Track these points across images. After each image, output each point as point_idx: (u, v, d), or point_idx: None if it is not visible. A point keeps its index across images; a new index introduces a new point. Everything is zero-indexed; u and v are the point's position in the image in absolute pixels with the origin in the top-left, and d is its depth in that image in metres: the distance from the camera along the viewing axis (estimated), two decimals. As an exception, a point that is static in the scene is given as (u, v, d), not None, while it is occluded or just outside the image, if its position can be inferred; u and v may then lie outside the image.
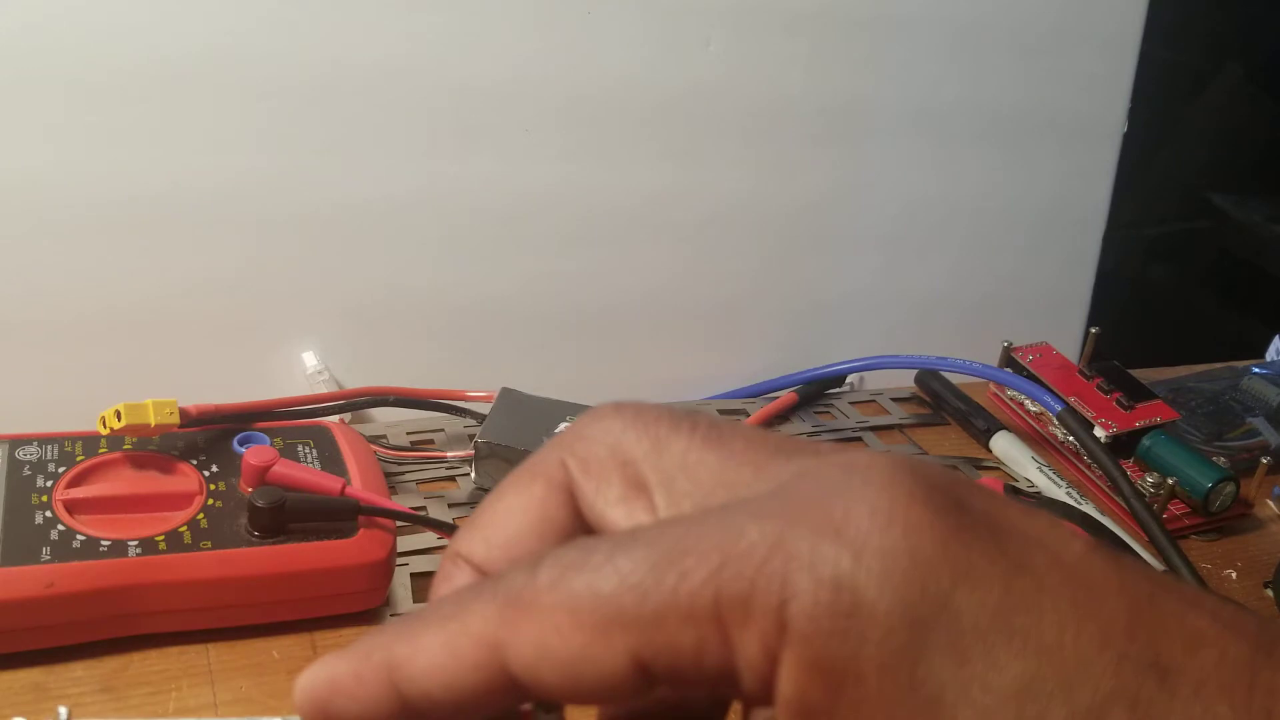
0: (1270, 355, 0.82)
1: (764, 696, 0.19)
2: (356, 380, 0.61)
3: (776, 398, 0.69)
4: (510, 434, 0.55)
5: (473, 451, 0.55)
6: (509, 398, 0.58)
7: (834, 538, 0.18)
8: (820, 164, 0.74)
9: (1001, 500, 0.20)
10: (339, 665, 0.21)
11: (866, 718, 0.17)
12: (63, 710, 0.19)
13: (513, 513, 0.22)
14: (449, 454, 0.58)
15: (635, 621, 0.19)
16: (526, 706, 0.23)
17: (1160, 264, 0.83)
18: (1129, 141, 0.79)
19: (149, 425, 0.48)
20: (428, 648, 0.20)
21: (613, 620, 0.19)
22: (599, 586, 0.19)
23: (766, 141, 0.72)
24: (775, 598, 0.18)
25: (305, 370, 0.64)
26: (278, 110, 0.60)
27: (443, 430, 0.61)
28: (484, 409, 0.59)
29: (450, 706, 0.20)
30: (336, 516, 0.47)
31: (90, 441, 0.48)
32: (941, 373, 0.72)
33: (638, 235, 0.70)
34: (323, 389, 0.61)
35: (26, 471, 0.46)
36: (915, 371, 0.73)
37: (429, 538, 0.51)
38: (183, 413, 0.49)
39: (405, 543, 0.50)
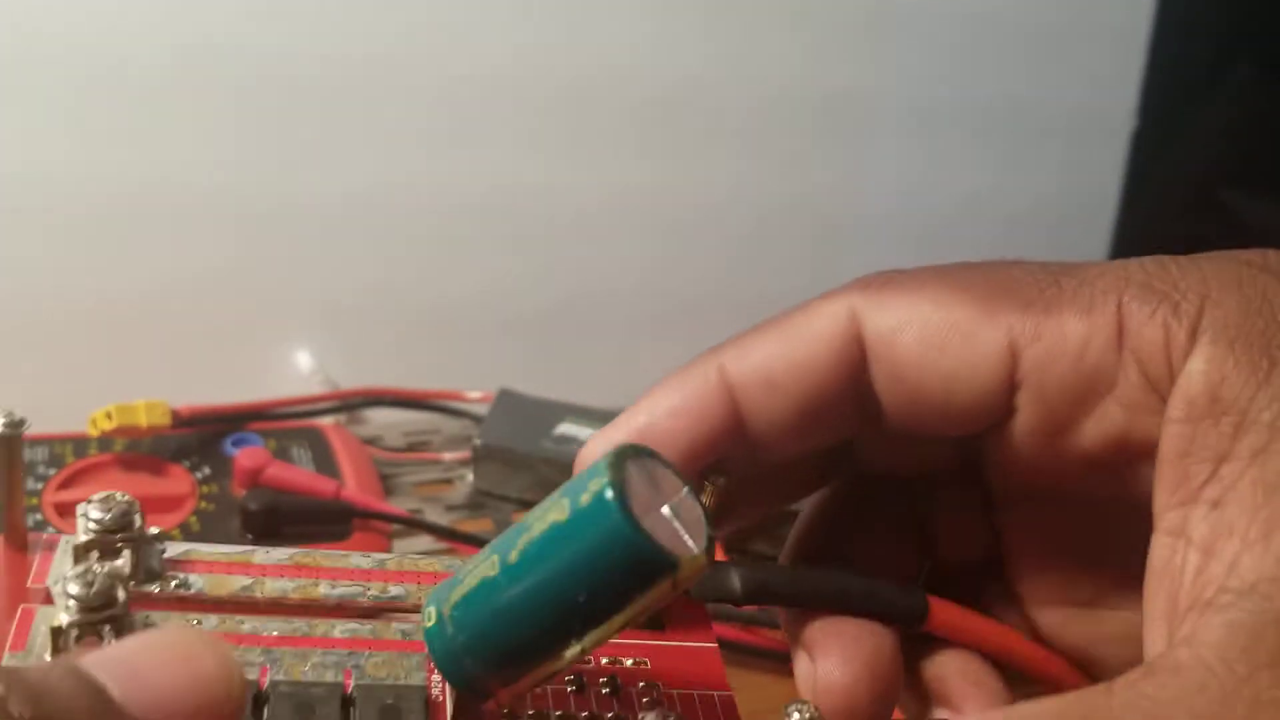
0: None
1: (1151, 394, 0.18)
2: (352, 380, 0.60)
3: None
4: (509, 436, 0.54)
5: (470, 453, 0.54)
6: (508, 399, 0.58)
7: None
8: (825, 159, 0.73)
9: None
10: (653, 397, 0.20)
11: None
12: None
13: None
14: (446, 456, 0.57)
15: (1025, 305, 0.19)
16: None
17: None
18: (1139, 139, 0.79)
19: (140, 426, 0.47)
20: (766, 339, 0.20)
21: (999, 300, 0.19)
22: (984, 275, 0.19)
23: (769, 136, 0.71)
24: (1197, 290, 0.18)
25: (299, 370, 0.63)
26: (275, 105, 0.59)
27: (439, 431, 0.60)
28: (482, 410, 0.58)
29: (796, 394, 0.20)
30: (330, 520, 0.46)
31: (80, 443, 0.48)
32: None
33: (639, 232, 0.69)
34: (317, 389, 0.60)
35: (15, 473, 0.46)
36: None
37: (425, 541, 0.51)
38: (174, 413, 0.48)
39: (400, 547, 0.50)
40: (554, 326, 0.69)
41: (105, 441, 0.48)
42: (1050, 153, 0.78)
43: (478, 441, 0.54)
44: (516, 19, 0.62)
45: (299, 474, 0.48)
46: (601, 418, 0.56)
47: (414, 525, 0.50)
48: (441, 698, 0.20)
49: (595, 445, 0.21)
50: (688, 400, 0.21)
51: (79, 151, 0.57)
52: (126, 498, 0.22)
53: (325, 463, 0.50)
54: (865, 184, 0.75)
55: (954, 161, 0.76)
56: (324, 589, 0.22)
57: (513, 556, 0.18)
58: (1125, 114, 0.79)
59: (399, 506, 0.52)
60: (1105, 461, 0.20)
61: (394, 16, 0.60)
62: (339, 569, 0.22)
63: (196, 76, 0.57)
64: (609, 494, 0.17)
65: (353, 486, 0.49)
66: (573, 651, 0.18)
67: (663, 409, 0.21)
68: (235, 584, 0.22)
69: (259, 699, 0.19)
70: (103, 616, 0.19)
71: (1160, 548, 0.18)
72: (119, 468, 0.48)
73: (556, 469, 0.53)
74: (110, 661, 0.15)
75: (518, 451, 0.53)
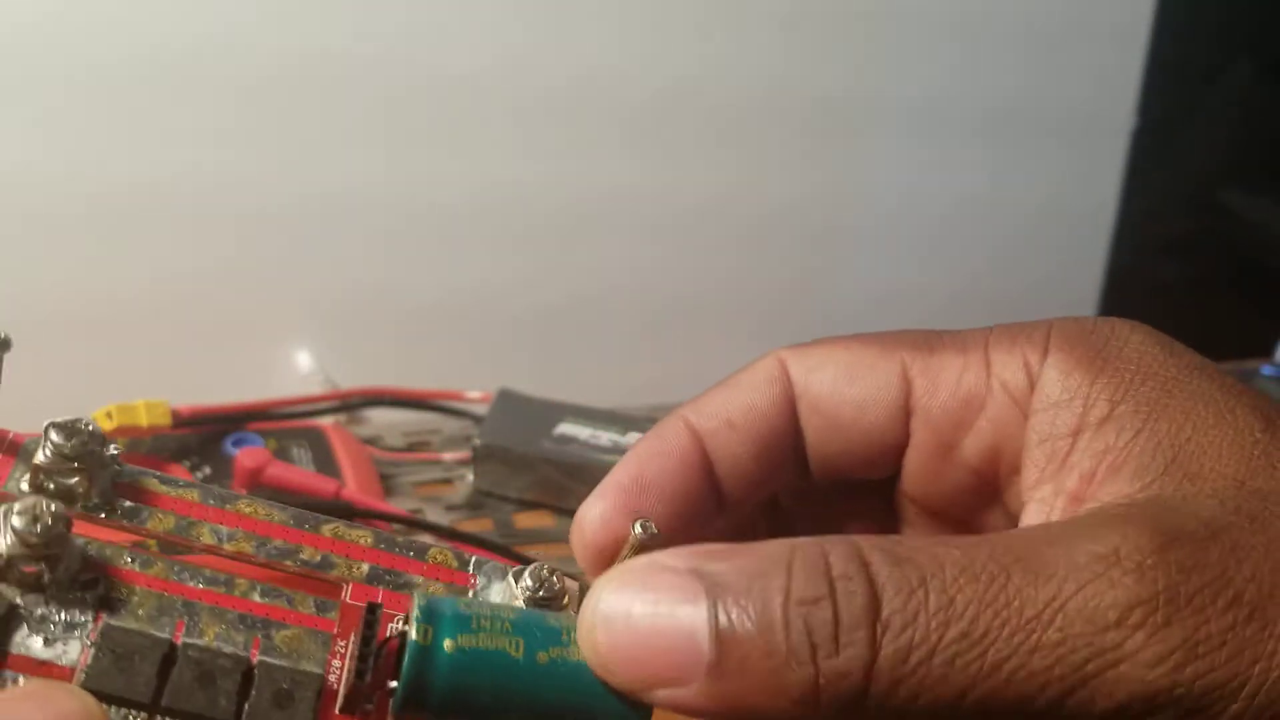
0: (1280, 355, 0.81)
1: (1014, 409, 0.23)
2: (351, 380, 0.60)
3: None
4: (509, 436, 0.54)
5: (470, 453, 0.54)
6: (507, 398, 0.57)
7: None
8: (823, 159, 0.73)
9: None
10: (635, 449, 0.24)
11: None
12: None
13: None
14: (446, 456, 0.57)
15: (914, 346, 0.24)
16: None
17: (1170, 262, 0.82)
18: (1139, 138, 0.79)
19: (141, 426, 0.47)
20: (717, 392, 0.25)
21: (894, 342, 0.24)
22: (885, 332, 0.24)
23: (768, 136, 0.71)
24: (1045, 325, 0.23)
25: (299, 370, 0.63)
26: (275, 104, 0.59)
27: (439, 431, 0.60)
28: (482, 410, 0.58)
29: (751, 433, 0.24)
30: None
31: (80, 443, 0.48)
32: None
33: (638, 232, 0.69)
34: (317, 389, 0.60)
35: (14, 474, 0.46)
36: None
37: (425, 541, 0.51)
38: (175, 413, 0.48)
39: (401, 546, 0.49)
40: (554, 326, 0.69)
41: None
42: (1050, 152, 0.78)
43: (477, 441, 0.54)
44: (518, 19, 0.62)
45: (299, 474, 0.48)
46: (601, 418, 0.56)
47: (414, 525, 0.49)
48: (336, 686, 0.20)
49: (592, 509, 0.23)
50: (667, 446, 0.24)
51: (78, 151, 0.57)
52: (92, 427, 0.22)
53: (325, 462, 0.50)
54: (864, 185, 0.74)
55: (953, 162, 0.76)
56: (254, 547, 0.22)
57: (541, 658, 0.19)
58: (1125, 113, 0.79)
59: (399, 506, 0.52)
60: (984, 475, 0.24)
61: (393, 17, 0.60)
62: (276, 526, 0.23)
63: (196, 76, 0.57)
64: None
65: (353, 486, 0.49)
66: None
67: (646, 456, 0.23)
68: (177, 522, 0.22)
69: (169, 656, 0.20)
70: (46, 554, 0.19)
71: (1031, 514, 0.22)
72: (119, 468, 0.48)
73: (556, 469, 0.53)
74: None
75: (517, 451, 0.53)
